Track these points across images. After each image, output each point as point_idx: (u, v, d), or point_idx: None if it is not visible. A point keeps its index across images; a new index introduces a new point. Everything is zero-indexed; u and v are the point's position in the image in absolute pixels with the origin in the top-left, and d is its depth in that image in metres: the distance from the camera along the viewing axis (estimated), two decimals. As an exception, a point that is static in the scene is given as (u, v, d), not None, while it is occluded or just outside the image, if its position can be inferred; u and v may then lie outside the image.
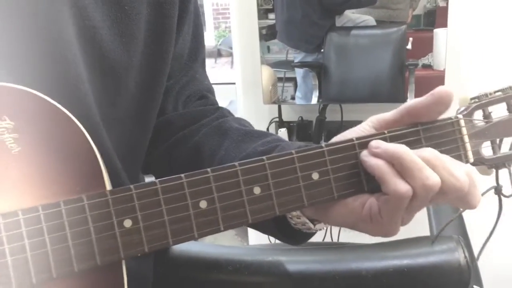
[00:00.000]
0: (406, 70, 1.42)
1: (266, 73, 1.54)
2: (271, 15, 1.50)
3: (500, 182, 0.53)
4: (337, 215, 0.48)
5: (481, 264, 0.79)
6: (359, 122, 0.50)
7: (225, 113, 0.67)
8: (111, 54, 0.53)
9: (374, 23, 1.44)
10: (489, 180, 0.53)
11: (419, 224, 0.78)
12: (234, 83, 1.65)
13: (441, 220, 0.83)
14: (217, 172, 0.44)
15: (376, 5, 1.42)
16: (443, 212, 0.85)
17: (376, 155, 0.45)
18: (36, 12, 0.46)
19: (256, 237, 1.71)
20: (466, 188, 0.44)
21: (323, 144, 0.47)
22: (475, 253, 0.70)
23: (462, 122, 0.49)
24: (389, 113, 0.49)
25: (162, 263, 0.70)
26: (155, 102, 0.61)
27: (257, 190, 0.44)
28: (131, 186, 0.42)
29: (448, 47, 1.37)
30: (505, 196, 0.52)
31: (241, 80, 1.62)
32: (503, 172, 0.52)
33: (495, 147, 0.50)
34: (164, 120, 0.65)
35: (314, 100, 1.52)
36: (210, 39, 6.86)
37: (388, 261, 0.65)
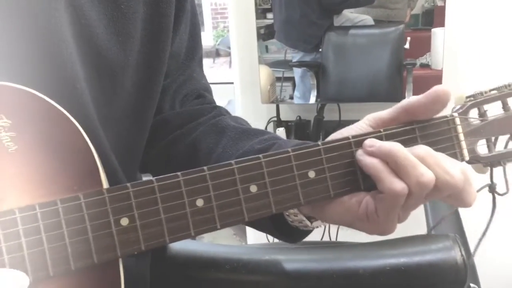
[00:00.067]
0: (404, 69, 1.42)
1: (265, 73, 1.54)
2: (269, 15, 1.50)
3: (495, 180, 0.53)
4: (334, 213, 0.48)
5: (478, 262, 0.79)
6: (357, 121, 0.50)
7: (222, 112, 0.68)
8: (108, 53, 0.53)
9: (372, 23, 1.44)
10: (484, 178, 0.54)
11: (416, 223, 0.78)
12: (232, 83, 1.65)
13: (438, 218, 0.83)
14: (214, 170, 0.44)
15: (374, 5, 1.42)
16: (440, 210, 0.86)
17: (370, 153, 0.45)
18: (32, 11, 0.46)
19: (254, 237, 1.71)
20: (461, 185, 0.44)
21: (319, 142, 0.47)
22: (472, 250, 0.71)
23: (457, 120, 0.49)
24: (385, 111, 0.49)
25: (159, 261, 0.70)
26: (152, 101, 0.61)
27: (253, 188, 0.45)
28: (128, 185, 0.42)
29: (446, 46, 1.37)
30: (499, 194, 0.52)
31: (239, 79, 1.62)
32: (498, 170, 0.52)
33: (491, 145, 0.51)
34: (161, 119, 0.65)
35: (312, 99, 1.52)
36: (208, 39, 6.85)
37: (385, 260, 0.65)
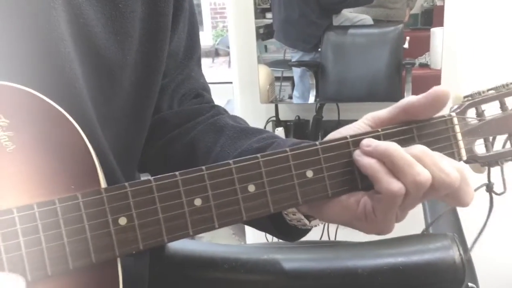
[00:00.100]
0: (403, 69, 1.42)
1: (264, 73, 1.54)
2: (269, 14, 1.50)
3: (493, 180, 0.53)
4: (332, 212, 0.48)
5: (476, 261, 0.80)
6: (355, 121, 0.50)
7: (220, 111, 0.68)
8: (106, 52, 0.53)
9: (371, 22, 1.44)
10: (482, 178, 0.54)
11: (414, 222, 0.78)
12: (231, 83, 1.65)
13: (438, 218, 0.83)
14: (212, 170, 0.44)
15: (373, 4, 1.42)
16: (438, 210, 0.86)
17: (367, 153, 0.45)
18: (29, 10, 0.46)
19: (253, 236, 1.71)
20: (457, 184, 0.45)
21: (317, 142, 0.47)
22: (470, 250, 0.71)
23: (455, 120, 0.49)
24: (384, 111, 0.49)
25: (158, 261, 0.70)
26: (150, 100, 0.61)
27: (251, 188, 0.45)
28: (126, 184, 0.42)
29: (445, 46, 1.37)
30: (496, 194, 0.52)
31: (238, 79, 1.62)
32: (496, 170, 0.52)
33: (488, 145, 0.51)
34: (159, 118, 0.65)
35: (311, 99, 1.52)
36: (207, 39, 6.84)
37: (383, 259, 0.65)
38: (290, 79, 1.56)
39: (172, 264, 0.71)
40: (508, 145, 0.51)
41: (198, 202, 0.43)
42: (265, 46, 1.55)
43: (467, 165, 0.51)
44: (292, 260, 0.69)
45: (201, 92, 0.69)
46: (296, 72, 1.55)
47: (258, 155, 0.45)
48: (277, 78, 1.56)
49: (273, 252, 0.71)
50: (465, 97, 0.50)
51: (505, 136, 0.52)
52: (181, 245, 0.73)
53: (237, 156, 0.57)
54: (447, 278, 0.64)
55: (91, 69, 0.52)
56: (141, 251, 0.42)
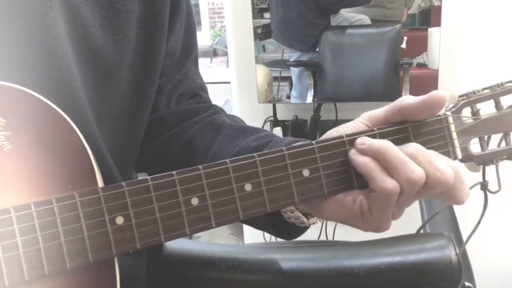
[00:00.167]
0: (400, 69, 1.43)
1: (262, 72, 1.54)
2: (266, 14, 1.50)
3: (489, 179, 0.53)
4: (329, 211, 0.48)
5: (473, 261, 0.80)
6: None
7: (218, 110, 0.68)
8: (103, 52, 0.53)
9: (369, 22, 1.44)
10: (478, 177, 0.54)
11: (412, 221, 0.78)
12: (229, 83, 1.65)
13: (434, 216, 0.83)
14: (209, 169, 0.44)
15: (371, 4, 1.42)
16: (435, 209, 0.86)
17: (361, 151, 0.46)
18: (26, 10, 0.46)
19: (251, 236, 1.72)
20: (452, 182, 0.45)
21: (313, 141, 0.47)
22: (467, 249, 0.71)
23: (450, 119, 0.50)
24: (379, 110, 0.49)
25: (155, 261, 0.70)
26: (147, 100, 0.61)
27: (248, 187, 0.45)
28: (123, 183, 0.42)
29: (442, 46, 1.37)
30: (491, 192, 0.52)
31: (236, 79, 1.62)
32: (491, 169, 0.52)
33: (483, 144, 0.51)
34: (157, 118, 0.65)
35: (309, 99, 1.52)
36: (205, 39, 6.84)
37: (380, 258, 0.66)
38: (288, 79, 1.57)
39: (169, 263, 0.71)
40: (503, 144, 0.52)
41: (195, 201, 0.44)
42: (263, 46, 1.56)
43: (462, 164, 0.51)
44: (289, 259, 0.69)
45: (198, 92, 0.70)
46: (294, 72, 1.55)
47: (255, 154, 0.45)
48: (275, 78, 1.56)
49: (270, 252, 0.71)
50: (460, 96, 0.51)
51: (500, 135, 0.52)
52: (178, 245, 0.73)
53: (234, 154, 0.58)
54: (443, 277, 0.64)
55: (88, 69, 0.52)
56: (138, 251, 0.42)
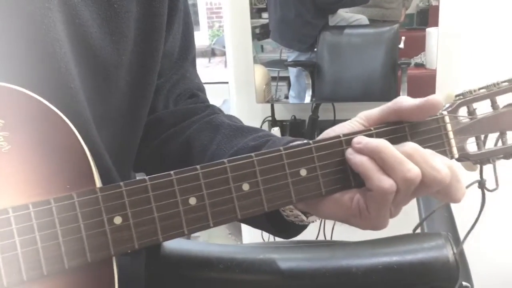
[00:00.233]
0: (398, 69, 1.43)
1: (260, 72, 1.55)
2: (265, 14, 1.50)
3: (486, 177, 0.53)
4: (327, 209, 0.49)
5: (470, 260, 0.80)
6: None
7: (216, 110, 0.68)
8: (101, 53, 0.53)
9: (367, 22, 1.44)
10: (475, 176, 0.54)
11: (409, 220, 0.79)
12: (227, 83, 1.66)
13: (431, 215, 0.84)
14: (206, 169, 0.44)
15: (369, 4, 1.42)
16: (432, 208, 0.86)
17: (358, 150, 0.46)
18: (25, 11, 0.46)
19: (250, 236, 1.72)
20: (448, 181, 0.45)
21: (310, 141, 0.47)
22: (465, 249, 0.71)
23: (447, 119, 0.50)
24: (376, 110, 0.49)
25: (154, 260, 0.70)
26: (145, 100, 0.61)
27: (246, 187, 0.45)
28: (121, 183, 0.42)
29: (440, 46, 1.38)
30: (488, 190, 0.53)
31: (234, 79, 1.62)
32: (489, 167, 0.53)
33: (480, 143, 0.51)
34: (155, 118, 0.65)
35: (307, 99, 1.52)
36: (204, 38, 6.83)
37: (378, 258, 0.66)
38: (286, 79, 1.57)
39: (168, 263, 0.72)
40: (499, 143, 0.52)
41: (192, 201, 0.44)
42: (261, 46, 1.56)
43: (459, 163, 0.51)
44: (287, 259, 0.69)
45: (196, 92, 0.70)
46: (292, 72, 1.55)
47: (252, 154, 0.45)
48: (273, 78, 1.56)
49: (268, 251, 0.71)
50: (456, 95, 0.51)
51: (497, 134, 0.52)
52: (177, 245, 0.73)
53: (233, 154, 0.58)
54: (441, 277, 0.64)
55: (87, 69, 0.52)
56: (136, 250, 0.43)
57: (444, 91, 0.51)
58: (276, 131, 1.54)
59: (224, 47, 1.67)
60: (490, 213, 0.61)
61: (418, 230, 0.79)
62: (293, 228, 0.56)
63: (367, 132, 0.48)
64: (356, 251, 0.70)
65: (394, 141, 0.47)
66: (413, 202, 0.60)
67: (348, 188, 0.48)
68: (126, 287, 0.45)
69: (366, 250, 0.69)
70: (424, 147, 0.46)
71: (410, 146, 0.46)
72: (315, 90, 1.51)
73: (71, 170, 0.42)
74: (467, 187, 0.48)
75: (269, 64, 1.57)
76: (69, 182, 0.41)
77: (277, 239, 0.64)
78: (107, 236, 0.41)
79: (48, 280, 0.40)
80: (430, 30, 1.40)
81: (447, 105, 0.51)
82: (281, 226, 0.56)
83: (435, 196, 0.47)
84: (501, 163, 0.53)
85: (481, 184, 0.52)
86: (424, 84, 1.44)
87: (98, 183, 0.42)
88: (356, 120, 0.50)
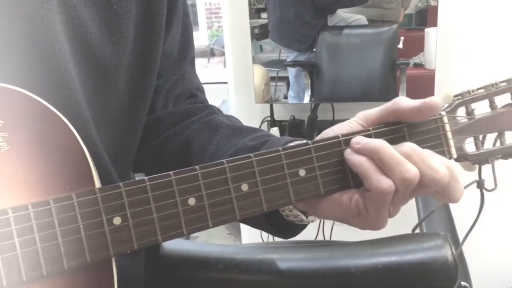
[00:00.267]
0: (397, 69, 1.43)
1: (259, 72, 1.55)
2: (264, 14, 1.50)
3: (485, 177, 0.54)
4: (326, 209, 0.49)
5: (469, 260, 0.80)
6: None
7: (215, 110, 0.68)
8: (101, 53, 0.53)
9: (366, 22, 1.44)
10: (474, 176, 0.54)
11: (408, 220, 0.79)
12: (226, 83, 1.66)
13: (430, 215, 0.84)
14: (205, 170, 0.44)
15: (368, 4, 1.42)
16: (431, 208, 0.86)
17: (356, 150, 0.46)
18: (24, 11, 0.46)
19: (249, 237, 1.72)
20: (446, 181, 0.45)
21: (309, 141, 0.48)
22: (464, 249, 0.71)
23: (445, 119, 0.50)
24: (374, 110, 0.49)
25: (153, 261, 0.70)
26: (145, 100, 0.61)
27: (245, 187, 0.45)
28: (120, 184, 0.42)
29: (438, 46, 1.38)
30: (487, 190, 0.53)
31: (233, 79, 1.62)
32: (487, 167, 0.53)
33: (478, 143, 0.51)
34: (154, 118, 0.65)
35: (306, 99, 1.53)
36: (203, 39, 6.84)
37: (377, 258, 0.66)
38: (285, 79, 1.57)
39: (167, 264, 0.72)
40: (498, 143, 0.52)
41: (192, 201, 0.44)
42: (260, 46, 1.56)
43: (458, 163, 0.51)
44: (286, 260, 0.69)
45: (195, 92, 0.70)
46: (291, 72, 1.55)
47: (251, 154, 0.46)
48: (272, 78, 1.57)
49: (267, 252, 0.71)
50: (455, 96, 0.51)
51: (495, 134, 0.52)
52: (176, 245, 0.73)
53: (232, 154, 0.58)
54: (440, 277, 0.64)
55: (86, 70, 0.52)
56: (135, 251, 0.43)
57: (443, 91, 0.51)
58: (275, 131, 1.54)
59: (223, 47, 1.68)
60: (488, 213, 0.61)
61: (417, 230, 0.80)
62: (292, 228, 0.57)
63: (365, 132, 0.48)
64: (355, 251, 0.70)
65: (393, 141, 0.47)
66: (412, 202, 0.60)
67: (347, 188, 0.48)
68: (126, 287, 0.45)
69: (365, 250, 0.69)
70: (423, 147, 0.47)
71: (409, 146, 0.46)
72: (314, 90, 1.51)
73: (70, 171, 0.42)
74: (465, 187, 0.48)
75: (268, 64, 1.57)
76: (69, 182, 0.41)
77: (276, 239, 0.64)
78: (106, 236, 0.41)
79: (48, 280, 0.40)
80: (429, 30, 1.41)
81: (446, 105, 0.51)
82: (280, 226, 0.56)
83: (433, 196, 0.48)
84: (499, 163, 0.53)
85: (480, 184, 0.52)
86: (423, 84, 1.44)
87: (98, 183, 0.42)
88: (354, 120, 0.50)
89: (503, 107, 0.52)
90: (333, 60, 1.48)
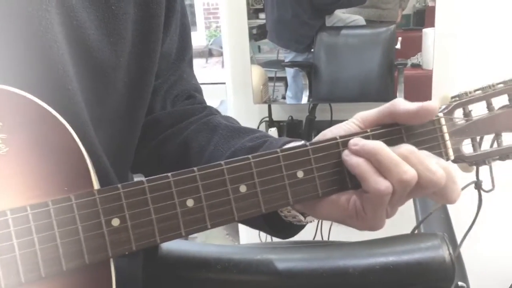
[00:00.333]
0: (395, 69, 1.43)
1: (257, 73, 1.55)
2: (262, 15, 1.50)
3: (483, 178, 0.54)
4: (324, 211, 0.49)
5: (466, 260, 0.80)
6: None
7: (213, 111, 0.68)
8: (99, 54, 0.53)
9: (364, 23, 1.44)
10: (472, 177, 0.55)
11: (406, 221, 0.79)
12: (224, 83, 1.66)
13: (428, 216, 0.84)
14: (204, 171, 0.44)
15: (366, 5, 1.42)
16: (429, 209, 0.86)
17: (354, 152, 0.46)
18: (22, 12, 0.46)
19: (247, 237, 1.72)
20: (443, 182, 0.45)
21: (307, 142, 0.48)
22: (461, 249, 0.72)
23: (442, 121, 0.50)
24: (372, 112, 0.50)
25: (151, 262, 0.70)
26: (143, 101, 0.61)
27: (243, 189, 0.45)
28: (119, 185, 0.42)
29: (436, 46, 1.38)
30: (485, 191, 0.53)
31: (231, 80, 1.62)
32: (485, 168, 0.53)
33: (475, 145, 0.51)
34: (152, 119, 0.65)
35: (305, 99, 1.53)
36: (201, 39, 6.83)
37: (375, 258, 0.66)
38: (283, 79, 1.57)
39: (165, 264, 0.72)
40: (495, 144, 0.52)
41: (190, 203, 0.44)
42: (259, 47, 1.56)
43: (455, 164, 0.51)
44: (284, 260, 0.70)
45: (193, 93, 0.70)
46: (289, 72, 1.56)
47: (250, 156, 0.46)
48: (270, 79, 1.57)
49: (266, 252, 0.71)
50: (452, 97, 0.51)
51: (492, 135, 0.52)
52: (174, 246, 0.73)
53: (230, 155, 0.58)
54: (437, 277, 0.64)
55: (85, 71, 0.52)
56: (134, 252, 0.43)
57: (440, 93, 0.51)
58: (273, 131, 1.54)
59: (221, 47, 1.67)
60: (486, 213, 0.61)
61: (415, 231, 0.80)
62: (290, 228, 0.57)
63: (363, 134, 0.48)
64: (353, 251, 0.70)
65: (390, 143, 0.47)
66: (410, 202, 0.60)
67: (344, 189, 0.48)
68: (124, 288, 0.45)
69: (363, 251, 0.69)
70: (420, 149, 0.47)
71: (406, 148, 0.46)
72: (312, 91, 1.51)
73: (69, 172, 0.42)
74: (463, 188, 0.48)
75: (266, 64, 1.57)
76: (67, 184, 0.41)
77: (275, 239, 0.64)
78: (105, 238, 0.42)
79: (46, 282, 0.40)
80: (426, 31, 1.41)
81: (443, 107, 0.51)
82: (278, 226, 0.56)
83: (431, 197, 0.48)
84: (497, 164, 0.54)
85: (478, 185, 0.52)
86: (421, 84, 1.44)
87: (96, 185, 0.43)
88: (352, 121, 0.50)
89: (500, 108, 0.52)
90: (331, 61, 1.48)
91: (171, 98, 0.68)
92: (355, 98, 1.46)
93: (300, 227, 0.57)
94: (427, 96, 1.41)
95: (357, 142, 0.46)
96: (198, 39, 6.63)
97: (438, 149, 0.50)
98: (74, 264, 0.41)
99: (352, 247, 0.71)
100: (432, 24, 1.38)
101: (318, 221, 0.56)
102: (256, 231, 0.66)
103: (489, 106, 0.51)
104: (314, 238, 1.40)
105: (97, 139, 0.53)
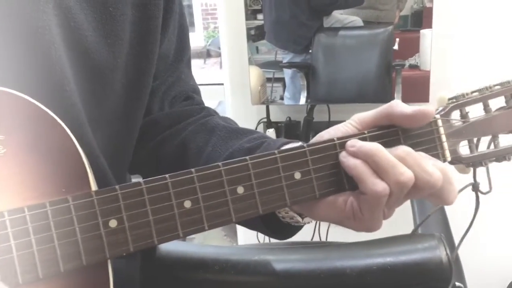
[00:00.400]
0: (393, 70, 1.44)
1: (255, 74, 1.55)
2: (260, 16, 1.51)
3: (480, 179, 0.54)
4: (321, 212, 0.49)
5: (463, 261, 0.81)
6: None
7: (211, 112, 0.68)
8: (97, 56, 0.53)
9: (362, 24, 1.45)
10: (469, 178, 0.55)
11: (404, 222, 0.79)
12: (222, 84, 1.66)
13: (425, 217, 0.84)
14: (201, 172, 0.44)
15: (363, 6, 1.43)
16: (427, 210, 0.87)
17: (351, 153, 0.46)
18: (20, 14, 0.46)
19: (245, 238, 1.72)
20: (440, 184, 0.45)
21: (305, 144, 0.48)
22: (459, 250, 0.72)
23: (439, 122, 0.50)
24: (369, 113, 0.50)
25: (149, 263, 0.70)
26: (141, 102, 0.61)
27: (240, 190, 0.45)
28: (116, 187, 0.42)
29: (434, 47, 1.38)
30: (482, 193, 0.53)
31: (229, 80, 1.63)
32: (482, 170, 0.53)
33: (472, 146, 0.52)
34: (150, 120, 0.65)
35: (302, 100, 1.53)
36: (199, 40, 6.83)
37: (372, 259, 0.66)
38: (281, 80, 1.57)
39: (163, 265, 0.72)
40: (492, 146, 0.52)
41: (187, 204, 0.44)
42: (257, 47, 1.56)
43: (452, 166, 0.52)
44: (282, 261, 0.70)
45: (191, 94, 0.70)
46: (287, 73, 1.56)
47: (247, 157, 0.46)
48: (268, 79, 1.57)
49: (263, 253, 0.71)
50: (449, 99, 0.51)
51: (489, 137, 0.53)
52: (172, 247, 0.73)
53: (228, 155, 0.58)
54: (434, 277, 0.65)
55: (82, 72, 0.52)
56: (131, 253, 0.43)
57: (437, 94, 0.51)
58: (271, 132, 1.54)
59: (219, 48, 1.68)
60: (483, 215, 0.61)
61: (413, 232, 0.80)
62: (288, 229, 0.57)
63: (360, 135, 0.48)
64: (350, 252, 0.70)
65: (388, 144, 0.47)
66: (407, 203, 0.60)
67: (342, 191, 0.48)
68: (121, 289, 0.46)
69: (360, 251, 0.69)
70: (417, 150, 0.47)
71: (403, 149, 0.46)
72: (310, 92, 1.51)
73: (66, 173, 0.42)
74: (460, 190, 0.49)
75: (264, 65, 1.57)
76: (65, 185, 0.41)
77: (272, 240, 0.64)
78: (102, 239, 0.42)
79: (44, 283, 0.40)
80: (424, 32, 1.41)
81: (440, 109, 0.51)
82: (276, 227, 0.56)
83: (428, 198, 0.48)
84: (494, 166, 0.54)
85: (475, 187, 0.52)
86: (418, 85, 1.44)
87: (94, 186, 0.43)
88: (349, 122, 0.50)
89: (497, 110, 0.52)
90: (329, 62, 1.49)
91: (169, 99, 0.68)
92: (353, 99, 1.47)
93: (298, 228, 0.57)
94: (425, 97, 1.41)
95: (355, 143, 0.46)
96: (196, 40, 6.63)
97: (435, 150, 0.50)
98: (71, 266, 0.41)
99: (350, 248, 0.71)
100: (429, 25, 1.39)
101: (316, 221, 0.56)
102: (254, 232, 0.66)
103: (486, 108, 0.52)
104: (312, 239, 1.40)
105: (95, 140, 0.53)
